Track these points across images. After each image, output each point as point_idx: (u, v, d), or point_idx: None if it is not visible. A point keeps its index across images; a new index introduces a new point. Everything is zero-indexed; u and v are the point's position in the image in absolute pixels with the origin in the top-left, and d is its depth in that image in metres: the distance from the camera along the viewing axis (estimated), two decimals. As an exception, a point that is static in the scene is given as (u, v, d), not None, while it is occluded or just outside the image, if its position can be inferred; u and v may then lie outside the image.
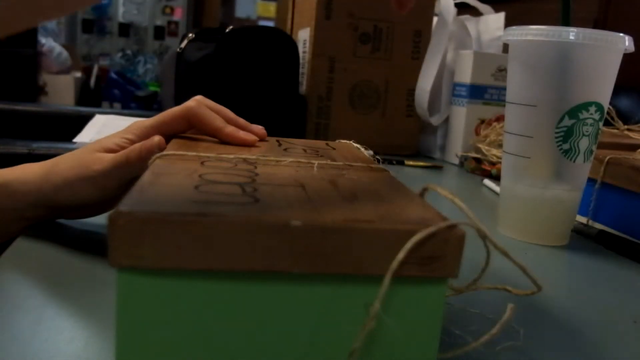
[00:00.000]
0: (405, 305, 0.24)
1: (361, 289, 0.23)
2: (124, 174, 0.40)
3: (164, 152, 0.32)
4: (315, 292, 0.23)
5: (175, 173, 0.27)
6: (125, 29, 4.30)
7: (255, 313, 0.23)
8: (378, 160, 0.38)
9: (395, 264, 0.23)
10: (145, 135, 0.41)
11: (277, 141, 0.41)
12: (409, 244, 0.23)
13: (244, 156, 0.33)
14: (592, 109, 0.49)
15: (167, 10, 4.34)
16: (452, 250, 0.23)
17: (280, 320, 0.23)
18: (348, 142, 0.43)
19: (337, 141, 0.44)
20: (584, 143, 0.50)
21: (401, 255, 0.23)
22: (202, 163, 0.30)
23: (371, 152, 0.41)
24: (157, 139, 0.38)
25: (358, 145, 0.42)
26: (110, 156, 0.40)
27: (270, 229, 0.22)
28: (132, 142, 0.41)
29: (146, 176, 0.26)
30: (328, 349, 0.24)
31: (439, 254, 0.23)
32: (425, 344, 0.25)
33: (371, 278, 0.23)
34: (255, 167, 0.31)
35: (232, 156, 0.33)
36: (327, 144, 0.42)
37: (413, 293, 0.24)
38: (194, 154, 0.32)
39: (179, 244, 0.21)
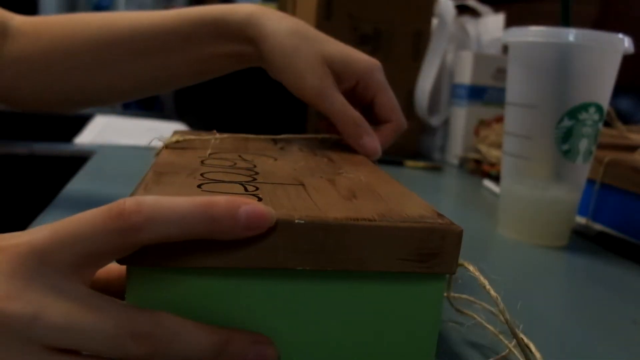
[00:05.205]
0: (405, 302, 0.24)
1: (362, 286, 0.24)
2: None
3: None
4: (317, 289, 0.23)
5: (177, 172, 0.28)
6: (125, 30, 4.30)
7: (259, 310, 0.23)
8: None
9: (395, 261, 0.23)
10: None
11: (273, 140, 0.41)
12: (410, 242, 0.23)
13: (243, 155, 0.33)
14: (592, 110, 0.49)
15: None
16: (450, 247, 0.24)
17: (284, 316, 0.23)
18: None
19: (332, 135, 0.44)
20: (583, 144, 0.50)
21: (402, 252, 0.23)
22: (202, 162, 0.31)
23: None
24: None
25: None
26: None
27: (274, 226, 0.22)
28: None
29: (149, 175, 0.27)
30: (330, 344, 0.24)
31: (437, 251, 0.24)
32: (424, 339, 0.25)
33: (372, 274, 0.23)
34: (255, 166, 0.31)
35: (231, 155, 0.33)
36: (321, 141, 0.42)
37: (412, 289, 0.24)
38: (195, 152, 0.33)
39: (186, 243, 0.22)
